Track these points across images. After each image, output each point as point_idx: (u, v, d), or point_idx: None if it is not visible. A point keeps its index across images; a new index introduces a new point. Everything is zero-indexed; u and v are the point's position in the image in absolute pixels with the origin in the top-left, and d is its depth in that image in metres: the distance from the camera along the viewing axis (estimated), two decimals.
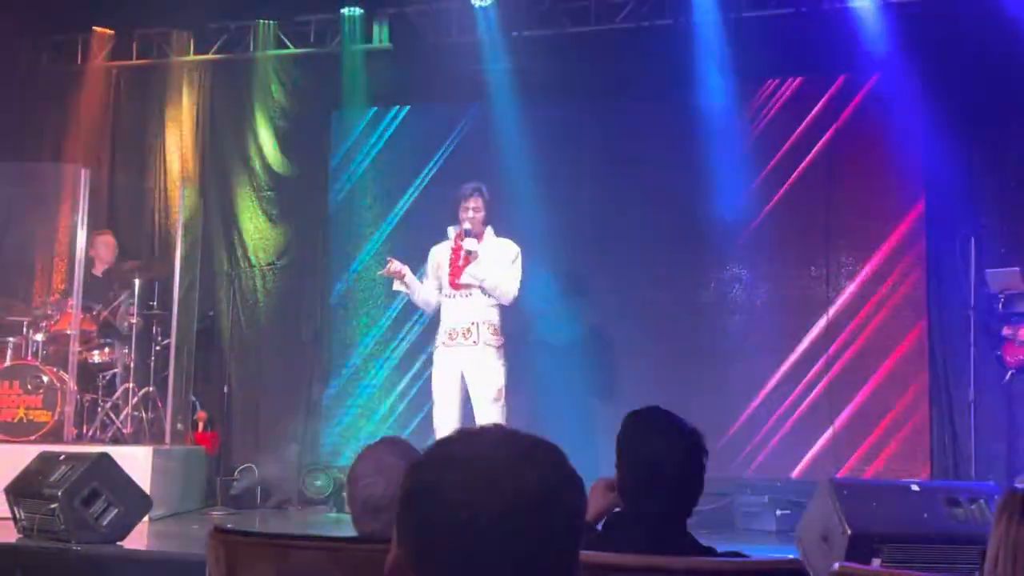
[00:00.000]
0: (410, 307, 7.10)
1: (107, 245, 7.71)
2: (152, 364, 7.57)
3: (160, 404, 7.40)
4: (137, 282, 7.44)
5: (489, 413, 5.90)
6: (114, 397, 7.28)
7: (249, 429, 8.20)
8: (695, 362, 7.45)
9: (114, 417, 7.18)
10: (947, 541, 4.05)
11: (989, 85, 6.95)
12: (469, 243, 6.02)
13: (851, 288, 7.31)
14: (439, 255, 6.22)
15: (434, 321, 6.33)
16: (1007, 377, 6.34)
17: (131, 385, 7.29)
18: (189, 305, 7.80)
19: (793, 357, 7.33)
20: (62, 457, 5.51)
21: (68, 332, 7.11)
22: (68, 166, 8.04)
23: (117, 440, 7.01)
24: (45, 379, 6.95)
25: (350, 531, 2.33)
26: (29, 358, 7.15)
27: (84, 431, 7.11)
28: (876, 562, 3.94)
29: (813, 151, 7.44)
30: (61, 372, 7.03)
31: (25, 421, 6.92)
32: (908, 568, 3.62)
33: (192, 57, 8.71)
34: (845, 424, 7.17)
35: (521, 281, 6.21)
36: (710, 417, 7.12)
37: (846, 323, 7.27)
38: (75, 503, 5.16)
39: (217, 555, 2.16)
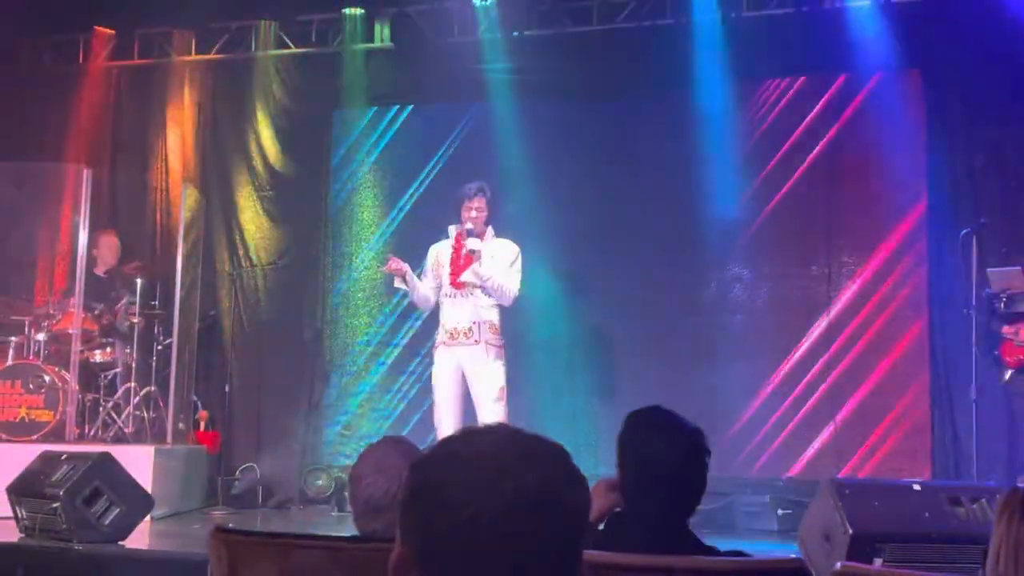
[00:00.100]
0: (411, 307, 7.10)
1: (110, 246, 7.71)
2: (154, 364, 7.58)
3: (162, 404, 7.41)
4: (139, 282, 7.45)
5: (490, 413, 5.91)
6: (116, 397, 7.28)
7: (250, 428, 8.20)
8: (696, 362, 7.45)
9: (116, 417, 7.19)
10: (949, 541, 4.05)
11: (990, 84, 6.95)
12: (472, 242, 6.02)
13: (852, 288, 7.31)
14: (439, 254, 6.22)
15: (434, 320, 6.33)
16: (1006, 377, 6.33)
17: (133, 385, 7.30)
18: (190, 305, 7.81)
19: (794, 357, 7.33)
20: (64, 457, 5.51)
21: (70, 332, 7.12)
22: (70, 166, 8.04)
23: (119, 440, 7.02)
24: (47, 379, 6.95)
25: (352, 530, 2.33)
26: (31, 358, 7.16)
27: (86, 431, 7.12)
28: (878, 562, 3.94)
29: (814, 151, 7.44)
30: (63, 372, 7.04)
31: (27, 421, 6.93)
32: (910, 567, 3.61)
33: (193, 57, 8.72)
34: (846, 423, 7.17)
35: (521, 281, 6.21)
36: (711, 416, 7.13)
37: (847, 322, 7.27)
38: (77, 502, 5.16)
39: (219, 555, 2.16)
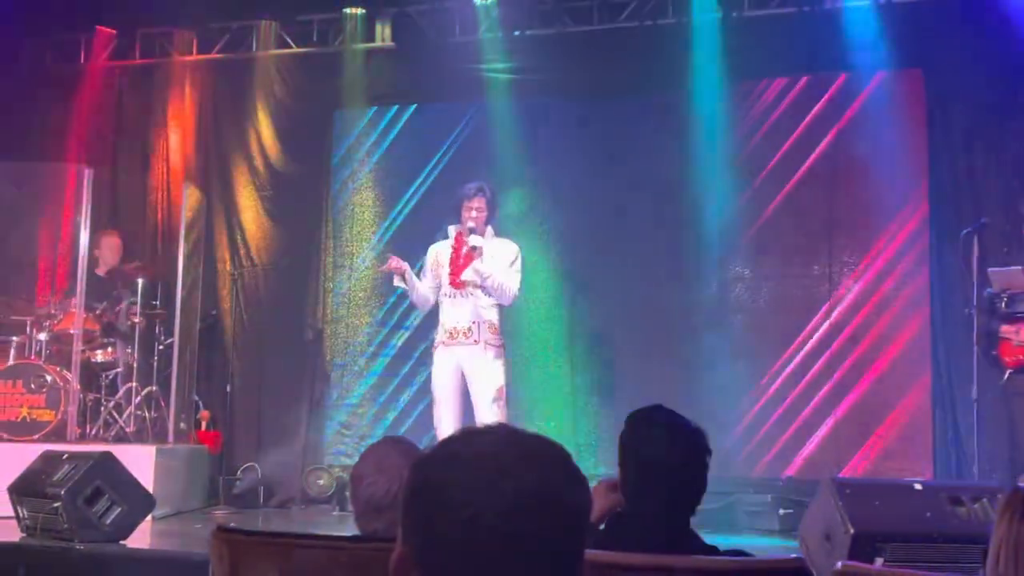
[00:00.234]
0: (411, 306, 7.10)
1: (111, 246, 7.72)
2: (155, 363, 7.59)
3: (163, 403, 7.41)
4: (140, 282, 7.45)
5: (489, 413, 5.91)
6: (117, 396, 7.29)
7: (252, 428, 8.21)
8: (697, 362, 7.45)
9: (117, 416, 7.19)
10: (950, 540, 4.05)
11: (991, 83, 6.94)
12: (474, 239, 6.02)
13: (854, 287, 7.30)
14: (439, 254, 6.22)
15: (434, 320, 6.33)
16: (1004, 377, 6.32)
17: (134, 384, 7.30)
18: (192, 304, 7.81)
19: (796, 356, 7.33)
20: (65, 456, 5.51)
21: (71, 331, 7.12)
22: (71, 166, 8.04)
23: (120, 439, 7.02)
24: (48, 378, 6.96)
25: (353, 530, 2.33)
26: (32, 357, 7.16)
27: (87, 430, 7.12)
28: (879, 561, 3.94)
29: (815, 150, 7.44)
30: (64, 371, 7.04)
31: (28, 420, 6.93)
32: (911, 567, 3.61)
33: (194, 57, 8.72)
34: (847, 423, 7.17)
35: (521, 281, 6.21)
36: (712, 416, 7.12)
37: (848, 322, 7.27)
38: (78, 502, 5.16)
39: (220, 554, 2.16)
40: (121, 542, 5.29)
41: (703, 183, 7.52)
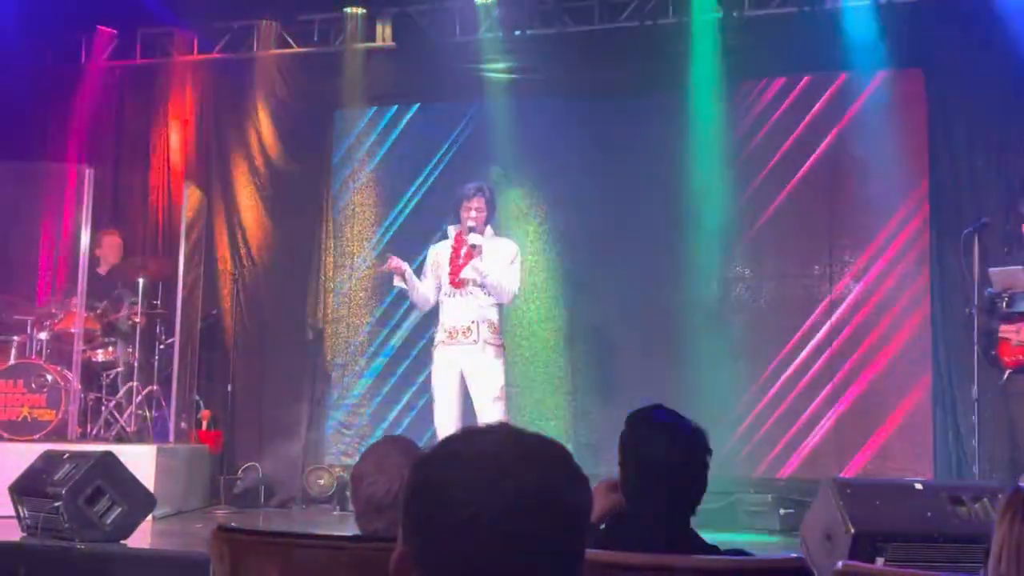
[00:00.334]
0: (412, 306, 7.10)
1: (113, 245, 7.73)
2: (156, 363, 7.59)
3: (164, 403, 7.42)
4: (141, 281, 7.45)
5: (489, 412, 5.91)
6: (118, 396, 7.29)
7: (252, 428, 8.21)
8: (697, 361, 7.44)
9: (118, 416, 7.20)
10: (951, 540, 4.04)
11: (992, 83, 6.94)
12: (474, 238, 6.02)
13: (854, 287, 7.31)
14: (438, 254, 6.23)
15: (435, 320, 6.34)
16: (1004, 377, 6.32)
17: (135, 384, 7.31)
18: (192, 304, 7.82)
19: (796, 356, 7.33)
20: (66, 456, 5.51)
21: (72, 331, 7.12)
22: (72, 165, 8.05)
23: (121, 439, 7.03)
24: (49, 378, 6.96)
25: (353, 530, 2.34)
26: (33, 357, 7.17)
27: (88, 430, 7.13)
28: (880, 561, 3.94)
29: (816, 150, 7.44)
30: (65, 371, 7.05)
31: (29, 420, 6.93)
32: (912, 567, 3.61)
33: (195, 56, 8.72)
34: (848, 422, 7.16)
35: (521, 280, 6.20)
36: (713, 416, 7.11)
37: (849, 322, 7.27)
38: (79, 501, 5.16)
39: (221, 554, 2.16)
40: (122, 542, 5.29)
41: (703, 183, 7.52)
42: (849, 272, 7.34)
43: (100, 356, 7.39)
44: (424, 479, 1.13)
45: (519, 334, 7.66)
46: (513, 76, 7.97)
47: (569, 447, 1.17)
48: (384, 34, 8.37)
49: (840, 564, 2.05)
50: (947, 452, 6.86)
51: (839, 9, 7.34)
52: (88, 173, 7.35)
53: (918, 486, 4.39)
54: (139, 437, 7.18)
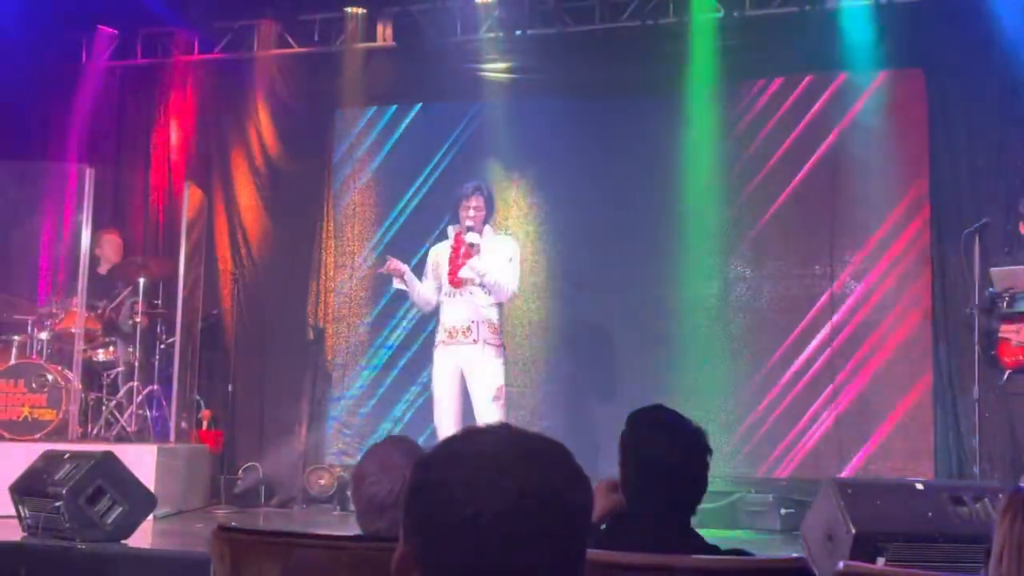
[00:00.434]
0: (413, 306, 7.10)
1: (113, 244, 7.73)
2: (156, 363, 7.59)
3: (164, 403, 7.42)
4: (141, 281, 7.45)
5: (489, 412, 5.91)
6: (118, 396, 7.29)
7: (253, 427, 8.21)
8: (698, 361, 7.45)
9: (118, 415, 7.20)
10: (951, 540, 4.05)
11: (993, 83, 6.94)
12: (471, 236, 6.03)
13: (855, 287, 7.30)
14: (439, 254, 6.23)
15: (436, 319, 6.34)
16: (1004, 377, 6.32)
17: (135, 384, 7.30)
18: (193, 304, 7.82)
19: (797, 356, 7.33)
20: (67, 455, 5.52)
21: (72, 331, 7.12)
22: (73, 165, 8.05)
23: (121, 438, 7.03)
24: (50, 377, 6.96)
25: (354, 529, 2.34)
26: (34, 356, 7.17)
27: (89, 429, 7.13)
28: (880, 561, 3.94)
29: (818, 150, 7.44)
30: (66, 371, 7.05)
31: (30, 419, 6.93)
32: (912, 567, 3.61)
33: (196, 56, 8.72)
34: (849, 422, 7.16)
35: (522, 279, 6.20)
36: (714, 415, 7.14)
37: (850, 321, 7.27)
38: (80, 501, 5.17)
39: (221, 553, 2.16)
40: (122, 541, 5.29)
41: (704, 183, 7.53)
42: (850, 272, 7.34)
43: (101, 356, 7.39)
44: (425, 479, 1.13)
45: (519, 334, 7.66)
46: (514, 76, 7.97)
47: (569, 447, 1.17)
48: (385, 34, 8.37)
49: (841, 564, 2.05)
50: (948, 452, 6.86)
51: (839, 9, 7.34)
52: (89, 173, 7.35)
53: (919, 486, 4.39)
54: (140, 437, 7.18)
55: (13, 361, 7.12)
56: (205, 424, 7.99)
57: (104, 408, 7.22)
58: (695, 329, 7.51)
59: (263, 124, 8.51)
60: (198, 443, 7.77)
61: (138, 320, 7.38)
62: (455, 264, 6.10)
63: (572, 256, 7.79)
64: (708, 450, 2.34)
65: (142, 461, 6.20)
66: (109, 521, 5.25)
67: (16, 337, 7.23)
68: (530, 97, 7.86)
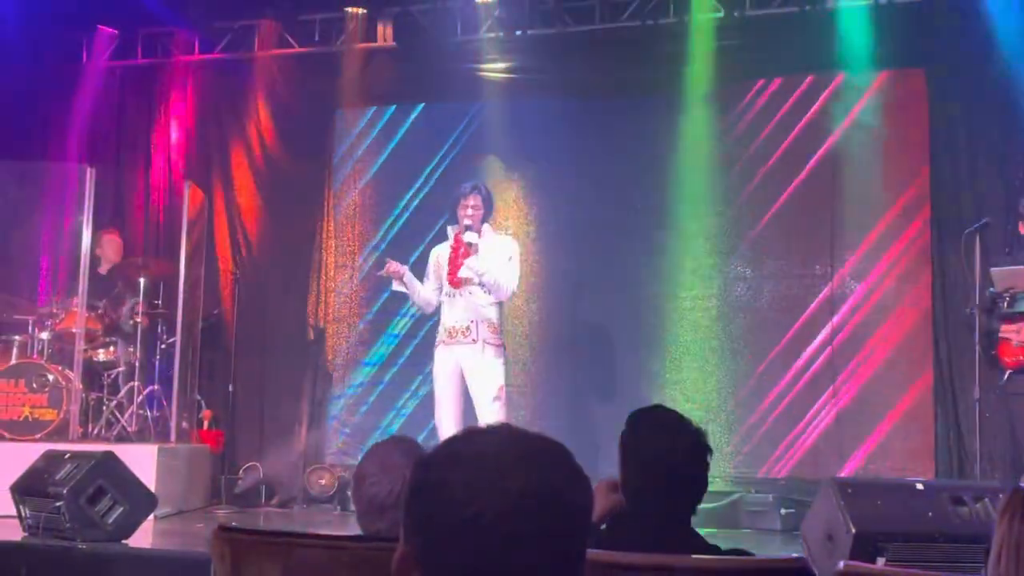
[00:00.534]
0: (413, 306, 7.09)
1: (113, 244, 7.73)
2: (157, 363, 7.60)
3: (165, 402, 7.42)
4: (142, 281, 7.45)
5: (489, 412, 5.91)
6: (119, 396, 7.29)
7: (254, 427, 8.22)
8: (699, 361, 7.46)
9: (119, 415, 7.20)
10: (952, 540, 4.05)
11: (993, 83, 6.93)
12: (469, 236, 6.03)
13: (856, 287, 7.30)
14: (439, 255, 6.24)
15: (437, 320, 6.34)
16: (1005, 377, 6.32)
17: (136, 383, 7.31)
18: (193, 304, 7.82)
19: (797, 356, 7.33)
20: (67, 455, 5.52)
21: (73, 331, 7.13)
22: (73, 165, 8.05)
23: (122, 438, 7.03)
24: (50, 377, 6.96)
25: (354, 529, 2.34)
26: (34, 356, 7.17)
27: (89, 429, 7.13)
28: (881, 561, 3.94)
29: (819, 150, 7.44)
30: (66, 370, 7.05)
31: (30, 419, 6.94)
32: (913, 567, 3.61)
33: (196, 56, 8.72)
34: (849, 422, 7.16)
35: (522, 279, 6.20)
36: (714, 416, 7.15)
37: (850, 321, 7.27)
38: (80, 501, 5.17)
39: (222, 553, 2.16)
40: (123, 541, 5.29)
41: (705, 183, 7.53)
42: (850, 272, 7.34)
43: (101, 356, 7.39)
44: (425, 479, 1.13)
45: (519, 334, 7.67)
46: (514, 76, 7.98)
47: (569, 447, 1.17)
48: (385, 34, 8.37)
49: (841, 564, 2.05)
50: (948, 452, 6.86)
51: (839, 9, 7.34)
52: (89, 173, 7.35)
53: (919, 486, 4.39)
54: (140, 437, 7.18)
55: (14, 361, 7.13)
56: (206, 424, 7.99)
57: (105, 408, 7.22)
58: (695, 329, 7.51)
59: (263, 124, 8.51)
60: (199, 443, 7.77)
61: (139, 320, 7.38)
62: (454, 264, 6.11)
63: (572, 256, 7.79)
64: (708, 450, 2.34)
65: (143, 461, 6.20)
66: (110, 521, 5.25)
67: (17, 337, 7.23)
68: (530, 97, 7.87)
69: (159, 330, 7.71)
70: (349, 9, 8.28)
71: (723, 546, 2.34)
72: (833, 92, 7.45)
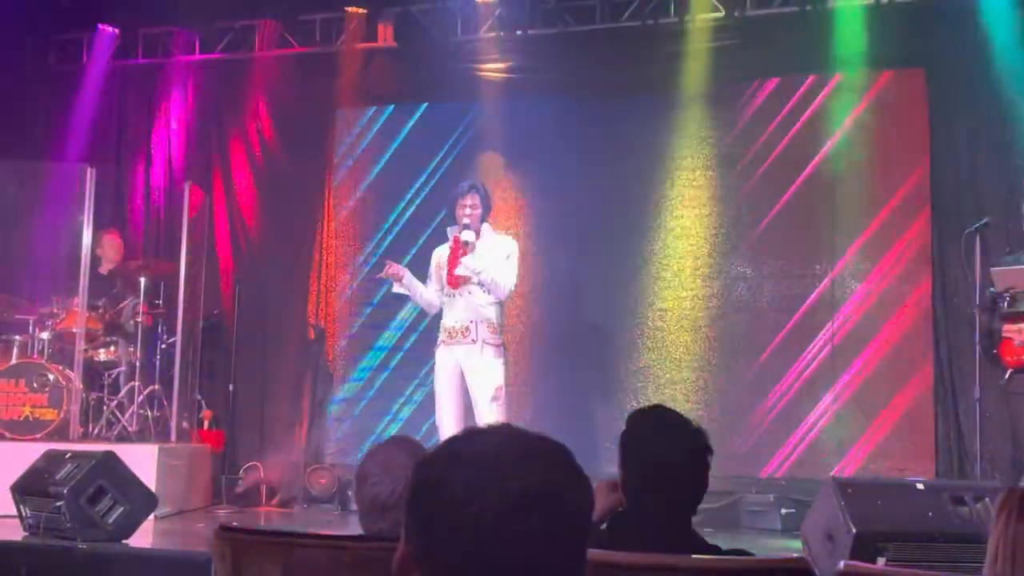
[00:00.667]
0: (414, 306, 7.10)
1: (114, 244, 7.73)
2: (157, 362, 7.60)
3: (165, 402, 7.42)
4: (142, 280, 7.46)
5: (489, 412, 5.91)
6: (119, 395, 7.29)
7: (254, 427, 8.22)
8: (699, 361, 7.46)
9: (120, 415, 7.20)
10: (952, 540, 4.05)
11: (994, 83, 6.93)
12: (466, 234, 6.03)
13: (856, 287, 7.30)
14: (440, 256, 6.24)
15: (437, 320, 6.35)
16: (1006, 377, 6.32)
17: (136, 383, 7.31)
18: (194, 303, 7.82)
19: (797, 355, 7.32)
20: (68, 455, 5.52)
21: (74, 330, 7.13)
22: (73, 165, 8.05)
23: (123, 438, 7.03)
24: (51, 377, 6.97)
25: (355, 529, 2.34)
26: (35, 356, 7.17)
27: (90, 429, 7.13)
28: (881, 561, 3.94)
29: (819, 150, 7.44)
30: (67, 370, 7.05)
31: (31, 419, 6.94)
32: (913, 567, 3.61)
33: (197, 56, 8.72)
34: (850, 422, 7.16)
35: (522, 279, 6.20)
36: (714, 415, 7.15)
37: (851, 321, 7.27)
38: (81, 501, 5.17)
39: (222, 553, 2.17)
40: (124, 541, 5.29)
41: (705, 182, 7.53)
42: (851, 272, 7.34)
43: (102, 355, 7.39)
44: (426, 479, 1.13)
45: (520, 334, 7.67)
46: (514, 76, 7.98)
47: (569, 447, 1.17)
48: (385, 34, 8.37)
49: (842, 564, 2.06)
50: (948, 452, 6.86)
51: (839, 9, 7.34)
52: (89, 173, 7.35)
53: (919, 486, 4.39)
54: (141, 437, 7.18)
55: (14, 361, 7.13)
56: (206, 424, 7.99)
57: (105, 408, 7.22)
58: (695, 329, 7.52)
59: (263, 124, 8.51)
60: (199, 443, 7.77)
61: (139, 320, 7.38)
62: (453, 264, 6.11)
63: (572, 256, 7.79)
64: (708, 450, 2.34)
65: (143, 461, 6.20)
66: (110, 521, 5.26)
67: (17, 337, 7.24)
68: (530, 97, 7.87)
69: (159, 330, 7.71)
70: (349, 9, 8.28)
71: (723, 546, 2.34)
72: (833, 92, 7.45)
